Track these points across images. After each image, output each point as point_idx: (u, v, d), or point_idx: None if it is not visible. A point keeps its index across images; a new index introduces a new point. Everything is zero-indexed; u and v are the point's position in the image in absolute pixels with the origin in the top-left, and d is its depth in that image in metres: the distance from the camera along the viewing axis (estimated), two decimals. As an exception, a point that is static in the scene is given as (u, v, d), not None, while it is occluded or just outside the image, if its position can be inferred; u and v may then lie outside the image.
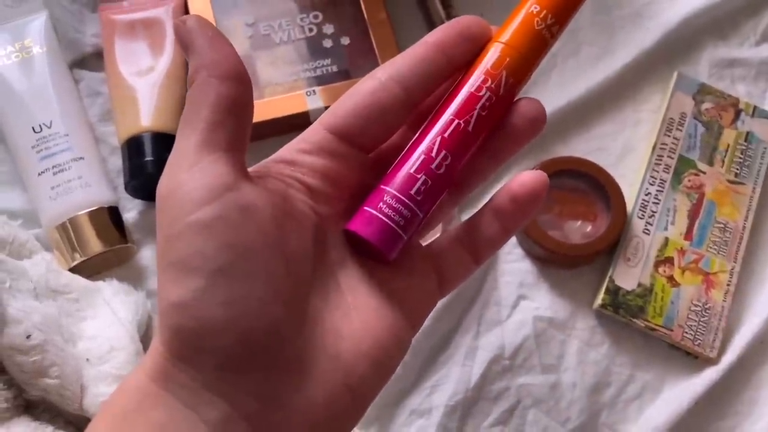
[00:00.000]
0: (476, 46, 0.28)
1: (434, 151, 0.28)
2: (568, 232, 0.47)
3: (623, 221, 0.47)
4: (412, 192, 0.27)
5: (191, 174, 0.23)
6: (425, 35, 0.28)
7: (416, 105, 0.28)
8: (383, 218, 0.27)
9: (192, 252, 0.23)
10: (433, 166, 0.28)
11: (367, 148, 0.28)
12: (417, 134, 0.29)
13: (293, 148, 0.27)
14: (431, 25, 0.53)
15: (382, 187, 0.28)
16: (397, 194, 0.27)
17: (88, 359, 0.39)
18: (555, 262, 0.48)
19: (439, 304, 0.34)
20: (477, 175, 0.29)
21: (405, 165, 0.28)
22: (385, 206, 0.27)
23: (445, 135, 0.28)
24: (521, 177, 0.28)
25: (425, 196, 0.28)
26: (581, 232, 0.47)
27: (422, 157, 0.28)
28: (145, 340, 0.42)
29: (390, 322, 0.26)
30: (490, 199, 0.29)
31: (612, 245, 0.47)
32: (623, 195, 0.48)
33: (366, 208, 0.28)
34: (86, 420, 0.38)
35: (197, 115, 0.24)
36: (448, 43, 0.27)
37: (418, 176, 0.28)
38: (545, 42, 0.28)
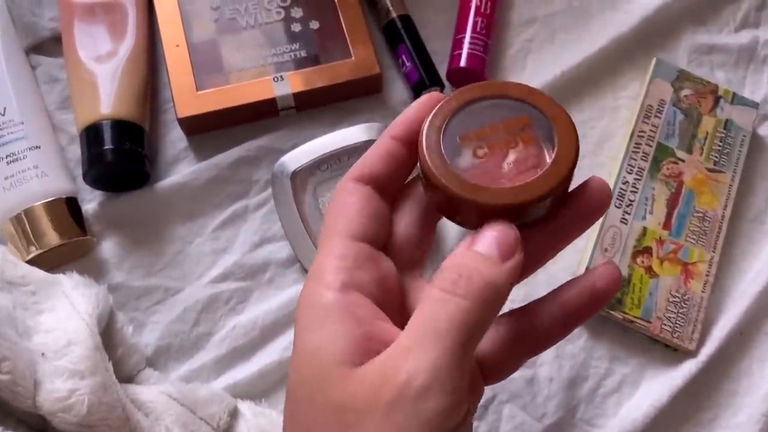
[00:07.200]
0: None
1: (477, 0, 0.50)
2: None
3: (572, 161, 0.29)
4: (477, 29, 0.49)
5: None
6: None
7: None
8: (469, 51, 0.48)
9: None
10: (481, 9, 0.50)
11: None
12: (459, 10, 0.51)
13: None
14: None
15: (458, 37, 0.49)
16: (470, 35, 0.49)
17: (43, 354, 0.37)
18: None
19: None
20: (545, 252, 0.31)
21: (464, 18, 0.49)
22: (466, 45, 0.48)
23: None
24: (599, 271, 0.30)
25: (487, 30, 0.49)
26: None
27: (473, 7, 0.50)
28: (105, 333, 0.41)
29: None
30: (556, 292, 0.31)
31: (560, 189, 0.29)
32: (574, 128, 0.29)
33: (455, 52, 0.49)
34: (39, 418, 0.36)
35: None
36: None
37: (477, 19, 0.49)
38: None
